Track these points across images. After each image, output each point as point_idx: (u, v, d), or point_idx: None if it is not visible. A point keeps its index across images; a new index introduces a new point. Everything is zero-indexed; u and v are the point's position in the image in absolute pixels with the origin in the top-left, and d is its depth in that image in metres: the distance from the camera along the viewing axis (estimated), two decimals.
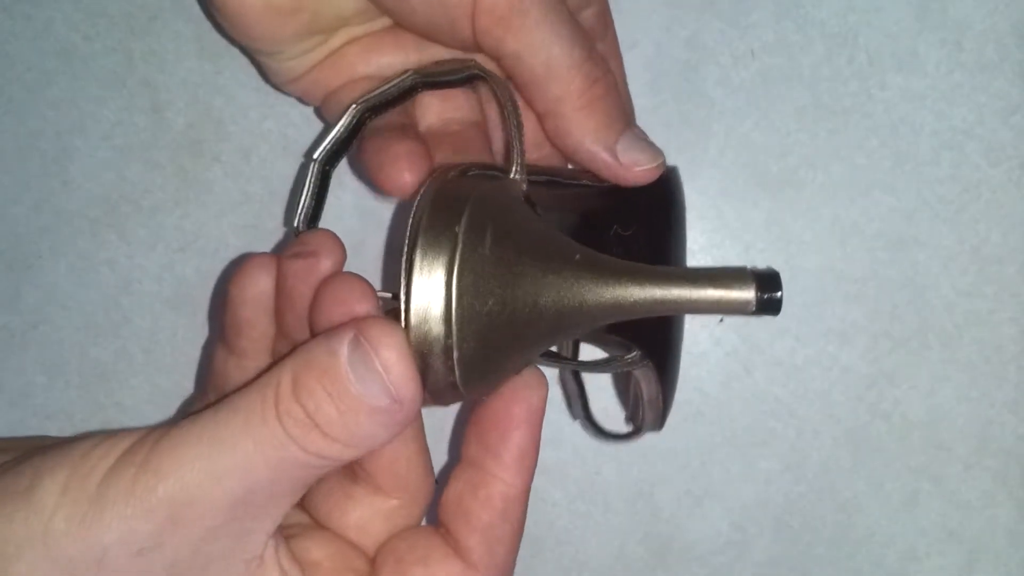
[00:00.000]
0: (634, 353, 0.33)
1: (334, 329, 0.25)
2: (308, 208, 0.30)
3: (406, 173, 0.30)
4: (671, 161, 0.39)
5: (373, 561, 0.29)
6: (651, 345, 0.32)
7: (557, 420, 0.41)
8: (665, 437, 0.41)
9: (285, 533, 0.28)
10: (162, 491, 0.24)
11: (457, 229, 0.25)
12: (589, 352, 0.38)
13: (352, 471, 0.29)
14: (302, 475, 0.25)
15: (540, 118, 0.31)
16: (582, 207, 0.33)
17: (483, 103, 0.34)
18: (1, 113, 0.41)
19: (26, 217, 0.41)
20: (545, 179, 0.32)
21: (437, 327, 0.25)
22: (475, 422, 0.29)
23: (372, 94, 0.30)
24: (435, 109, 0.33)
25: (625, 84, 0.36)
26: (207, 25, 0.40)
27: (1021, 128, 0.40)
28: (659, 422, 0.35)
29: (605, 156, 0.31)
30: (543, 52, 0.30)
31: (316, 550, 0.28)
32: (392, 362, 0.24)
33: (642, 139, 0.31)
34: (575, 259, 0.27)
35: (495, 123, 0.34)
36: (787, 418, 0.41)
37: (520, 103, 0.32)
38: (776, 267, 0.40)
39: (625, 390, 0.40)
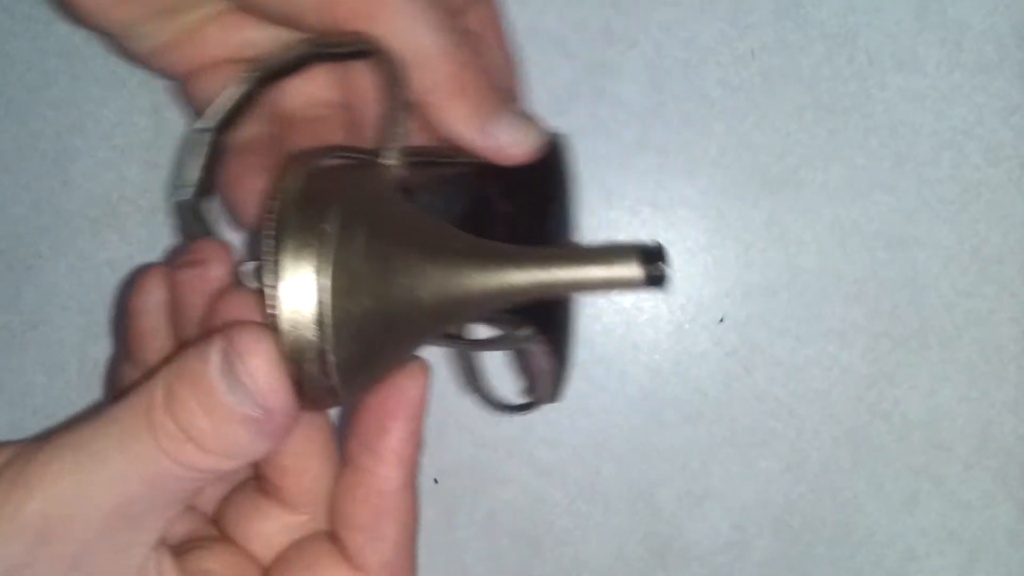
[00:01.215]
0: (526, 329, 0.31)
1: (208, 337, 0.24)
2: (200, 180, 0.29)
3: (256, 209, 0.30)
4: (671, 160, 0.39)
5: (268, 571, 0.28)
6: (542, 321, 0.31)
7: (556, 420, 0.41)
8: (665, 437, 0.41)
9: (186, 545, 0.28)
10: (32, 507, 0.23)
11: (326, 226, 0.24)
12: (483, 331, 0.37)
13: (261, 485, 0.28)
14: (179, 488, 0.24)
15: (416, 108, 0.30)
16: (465, 187, 0.31)
17: (357, 82, 0.32)
18: (1, 113, 0.41)
19: (26, 217, 0.41)
20: (425, 160, 0.30)
21: (309, 332, 0.24)
22: (353, 421, 0.28)
23: (264, 64, 0.29)
24: (298, 90, 0.32)
25: (507, 55, 0.34)
26: None
27: (1021, 128, 0.40)
28: (555, 394, 0.34)
29: (481, 139, 0.29)
30: (408, 41, 0.28)
31: (211, 561, 0.28)
32: (259, 370, 0.23)
33: (520, 117, 0.30)
34: (455, 247, 0.27)
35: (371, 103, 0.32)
36: (787, 418, 0.41)
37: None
38: (776, 267, 0.40)
39: (523, 364, 0.39)
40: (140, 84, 0.41)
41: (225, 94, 0.28)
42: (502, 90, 0.30)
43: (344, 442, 0.28)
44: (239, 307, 0.26)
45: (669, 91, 0.40)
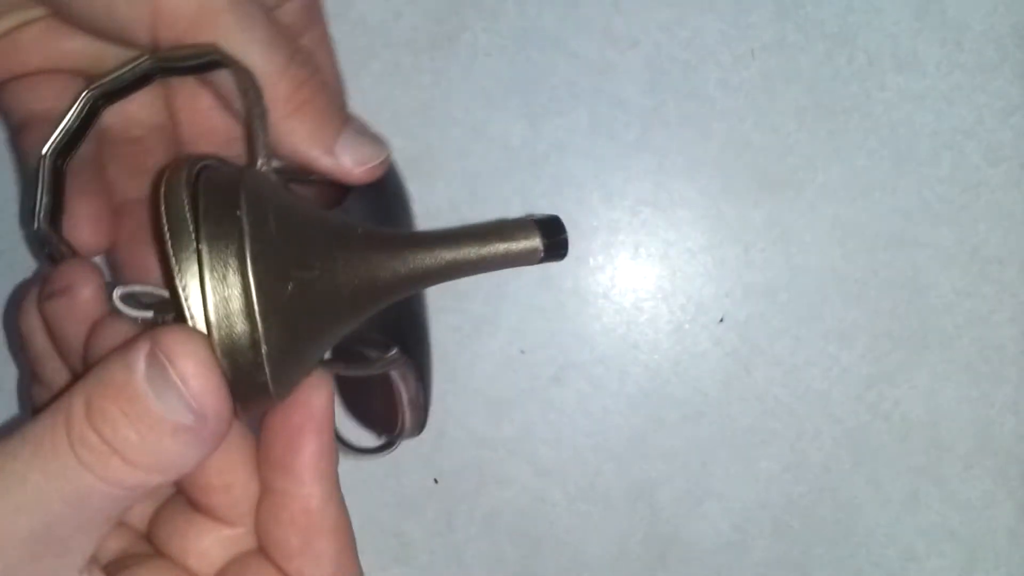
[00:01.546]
0: (393, 351, 0.31)
1: (129, 343, 0.22)
2: (46, 206, 0.27)
3: (87, 233, 0.29)
4: (671, 160, 0.39)
5: None
6: (409, 341, 0.31)
7: (556, 420, 0.41)
8: (665, 437, 0.41)
9: (119, 563, 0.27)
10: None
11: (239, 213, 0.23)
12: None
13: (190, 499, 0.27)
14: (106, 507, 0.23)
15: (246, 129, 0.28)
16: (329, 202, 0.31)
17: (174, 99, 0.31)
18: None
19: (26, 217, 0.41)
20: (287, 177, 0.30)
21: (241, 323, 0.23)
22: (262, 444, 0.27)
23: (105, 80, 0.27)
24: (115, 108, 0.29)
25: (338, 75, 0.34)
26: None
27: (1021, 128, 0.40)
28: (420, 425, 0.33)
29: (326, 160, 0.28)
30: (240, 60, 0.27)
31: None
32: (190, 373, 0.22)
33: (361, 136, 0.29)
34: (359, 234, 0.26)
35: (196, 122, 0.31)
36: (787, 418, 0.41)
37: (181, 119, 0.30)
38: (776, 267, 0.40)
39: (361, 402, 0.38)
40: None
41: (65, 115, 0.27)
42: (340, 107, 0.29)
43: (257, 467, 0.27)
44: (115, 336, 0.25)
45: (669, 91, 0.40)
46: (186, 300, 0.23)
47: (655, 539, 0.41)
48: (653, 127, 0.40)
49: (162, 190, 0.24)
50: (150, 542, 0.28)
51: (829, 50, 0.40)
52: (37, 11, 0.30)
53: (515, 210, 0.40)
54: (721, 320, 0.40)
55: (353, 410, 0.38)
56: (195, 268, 0.23)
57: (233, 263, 0.23)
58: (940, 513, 0.41)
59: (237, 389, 0.23)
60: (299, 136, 0.28)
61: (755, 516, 0.41)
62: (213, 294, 0.23)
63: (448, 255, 0.27)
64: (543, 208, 0.40)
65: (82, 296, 0.26)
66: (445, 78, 0.39)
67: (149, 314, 0.25)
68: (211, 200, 0.23)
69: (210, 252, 0.23)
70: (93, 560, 0.24)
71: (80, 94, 0.27)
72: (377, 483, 0.41)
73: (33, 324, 0.28)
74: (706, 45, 0.40)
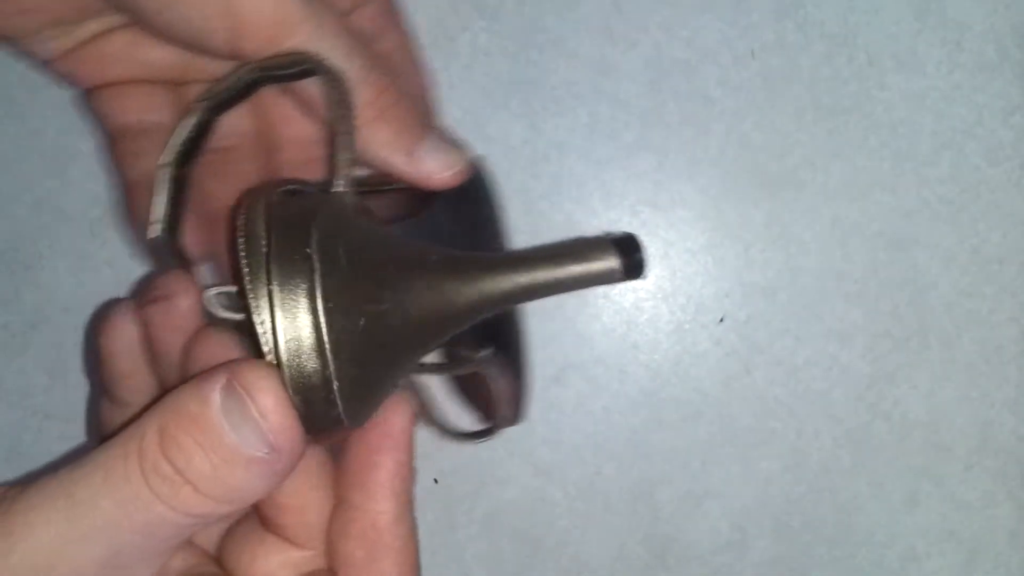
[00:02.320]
0: (484, 352, 0.31)
1: (204, 374, 0.23)
2: (167, 216, 0.28)
3: (190, 243, 0.29)
4: (671, 160, 0.39)
5: None
6: (503, 337, 0.31)
7: (556, 420, 0.41)
8: (665, 437, 0.41)
9: None
10: (15, 560, 0.22)
11: (309, 250, 0.24)
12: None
13: (263, 521, 0.27)
14: (172, 535, 0.23)
15: (331, 135, 0.29)
16: (407, 210, 0.31)
17: (263, 106, 0.32)
18: (1, 113, 0.41)
19: (26, 217, 0.41)
20: (372, 187, 0.31)
21: (312, 360, 0.23)
22: (342, 458, 0.28)
23: (214, 91, 0.28)
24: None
25: (423, 77, 0.34)
26: None
27: (1021, 128, 0.40)
28: (516, 416, 0.33)
29: (404, 166, 0.29)
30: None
31: None
32: (269, 408, 0.22)
33: (443, 141, 0.29)
34: (432, 260, 0.26)
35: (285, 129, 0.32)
36: (787, 418, 0.41)
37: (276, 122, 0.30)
38: (776, 267, 0.40)
39: (471, 391, 0.38)
40: None
41: (179, 127, 0.28)
42: (422, 112, 0.30)
43: (335, 481, 0.28)
44: (216, 348, 0.25)
45: (669, 91, 0.40)
46: (262, 335, 0.23)
47: (655, 539, 0.41)
48: (653, 127, 0.40)
49: (239, 225, 0.24)
50: (218, 562, 0.28)
51: (829, 50, 0.40)
52: (117, 18, 0.30)
53: (516, 209, 0.40)
54: (721, 320, 0.41)
55: (459, 393, 0.39)
56: (267, 307, 0.23)
57: (303, 303, 0.23)
58: (940, 513, 0.41)
59: (310, 422, 0.24)
60: (381, 142, 0.28)
61: (755, 516, 0.41)
62: (284, 333, 0.23)
63: (523, 279, 0.27)
64: (543, 208, 0.40)
65: (182, 305, 0.27)
66: (445, 78, 0.39)
67: (240, 316, 0.25)
68: (283, 237, 0.24)
69: (281, 292, 0.23)
70: None
71: (192, 106, 0.28)
72: None
73: (118, 339, 0.28)
74: (706, 45, 0.40)
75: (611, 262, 0.26)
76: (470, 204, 0.32)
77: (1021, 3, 0.39)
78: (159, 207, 0.28)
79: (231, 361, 0.23)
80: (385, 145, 0.29)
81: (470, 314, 0.27)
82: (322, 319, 0.23)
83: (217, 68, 0.29)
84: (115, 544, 0.22)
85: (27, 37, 0.30)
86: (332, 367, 0.24)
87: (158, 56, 0.31)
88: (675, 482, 0.41)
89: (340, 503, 0.27)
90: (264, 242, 0.24)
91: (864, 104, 0.40)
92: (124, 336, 0.28)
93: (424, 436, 0.41)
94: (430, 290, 0.26)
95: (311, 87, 0.28)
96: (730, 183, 0.40)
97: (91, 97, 0.33)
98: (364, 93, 0.28)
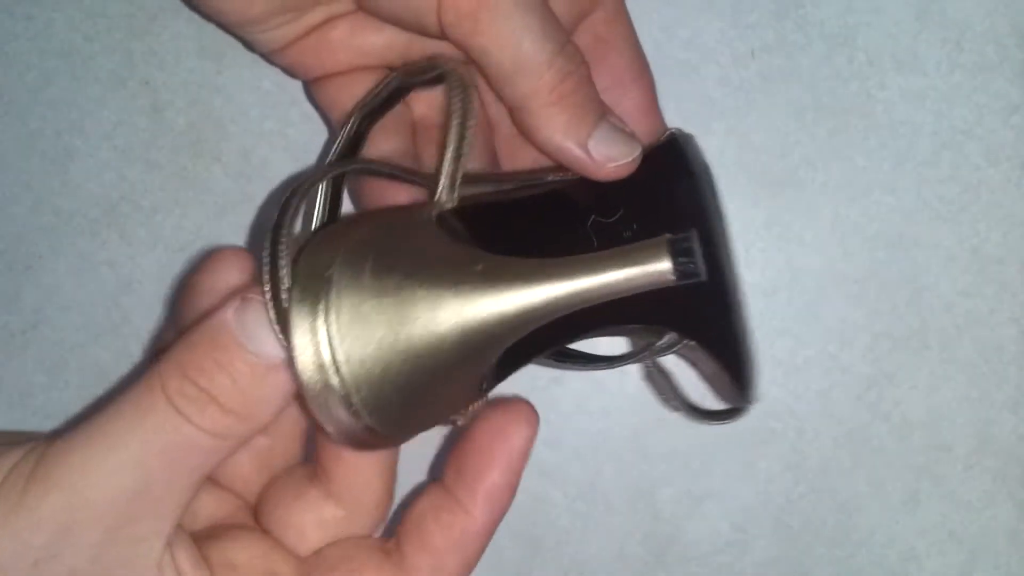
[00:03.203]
0: (666, 337, 0.31)
1: (216, 305, 0.25)
2: (323, 217, 0.29)
3: None
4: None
5: (302, 566, 0.28)
6: (682, 322, 0.30)
7: (556, 420, 0.41)
8: (665, 437, 0.41)
9: (214, 531, 0.28)
10: (53, 500, 0.23)
11: (330, 271, 0.24)
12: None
13: (313, 471, 0.29)
14: (198, 462, 0.24)
15: (511, 113, 0.31)
16: (547, 205, 0.31)
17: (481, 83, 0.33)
18: (1, 113, 0.41)
19: (26, 217, 0.41)
20: (493, 182, 0.31)
21: (326, 377, 0.24)
22: (458, 446, 0.29)
23: (366, 101, 0.30)
24: (423, 98, 0.33)
25: (633, 47, 0.34)
26: (207, 25, 0.40)
27: (1021, 128, 0.40)
28: (743, 395, 0.32)
29: (577, 152, 0.29)
30: (510, 48, 0.28)
31: (238, 552, 0.28)
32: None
33: (618, 130, 0.30)
34: (476, 270, 0.26)
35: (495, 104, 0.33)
36: (787, 418, 0.41)
37: (490, 99, 0.31)
38: (776, 267, 0.40)
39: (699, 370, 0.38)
40: (140, 84, 0.41)
41: (340, 135, 0.30)
42: (599, 104, 0.30)
43: (445, 462, 0.29)
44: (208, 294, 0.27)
45: (669, 91, 0.40)
46: (288, 352, 0.24)
47: (655, 539, 0.41)
48: None
49: (265, 254, 0.25)
50: (255, 512, 0.29)
51: (829, 50, 0.40)
52: (339, 5, 0.32)
53: None
54: None
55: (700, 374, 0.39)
56: (287, 329, 0.24)
57: (313, 321, 0.24)
58: (940, 513, 0.41)
59: (343, 435, 0.25)
60: (555, 126, 0.29)
61: (755, 516, 0.41)
62: (301, 353, 0.24)
63: (565, 287, 0.26)
64: None
65: (228, 282, 0.28)
66: None
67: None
68: (308, 258, 0.25)
69: (295, 313, 0.24)
70: (179, 527, 0.25)
71: (350, 118, 0.30)
72: None
73: (212, 284, 0.28)
74: (706, 45, 0.40)
75: (663, 263, 0.26)
76: (667, 178, 0.31)
77: (1021, 3, 0.39)
78: (318, 212, 0.29)
79: (240, 288, 0.25)
80: (558, 131, 0.29)
81: (517, 325, 0.27)
82: (333, 336, 0.24)
83: (434, 49, 0.31)
84: (144, 477, 0.24)
85: (255, 25, 0.32)
86: (347, 383, 0.24)
87: (377, 42, 0.32)
88: (675, 482, 0.41)
89: (441, 486, 0.28)
90: (286, 271, 0.25)
91: (864, 104, 0.40)
92: (226, 279, 0.28)
93: (424, 436, 0.41)
94: (465, 303, 0.26)
95: (493, 68, 0.29)
96: (730, 183, 0.40)
97: (314, 88, 0.35)
98: (549, 76, 0.29)
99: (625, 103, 0.33)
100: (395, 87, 0.30)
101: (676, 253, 0.26)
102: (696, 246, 0.26)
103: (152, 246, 0.41)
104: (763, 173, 0.40)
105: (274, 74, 0.40)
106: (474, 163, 0.32)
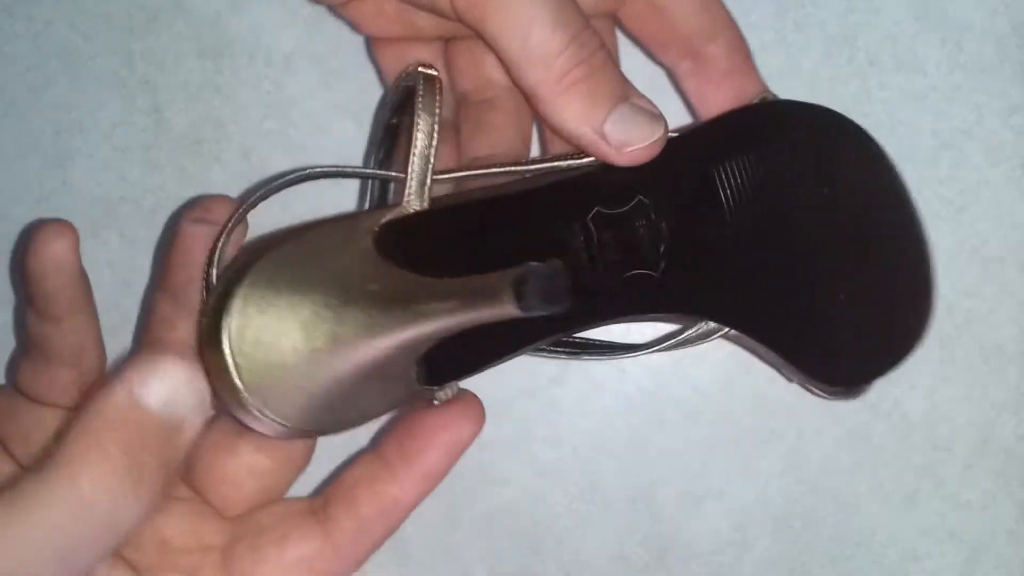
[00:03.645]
0: (703, 324, 0.31)
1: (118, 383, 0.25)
2: (380, 159, 0.32)
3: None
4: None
5: (232, 530, 0.30)
6: (719, 311, 0.30)
7: (556, 420, 0.41)
8: (665, 437, 0.41)
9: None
10: None
11: (237, 287, 0.26)
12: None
13: (240, 431, 0.30)
14: (127, 529, 0.24)
15: (527, 99, 0.30)
16: (536, 201, 0.30)
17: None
18: (1, 113, 0.41)
19: (26, 217, 0.41)
20: (469, 173, 0.30)
21: (234, 389, 0.26)
22: (403, 422, 0.30)
23: (387, 98, 0.31)
24: (470, 73, 0.33)
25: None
26: (207, 25, 0.40)
27: (1021, 128, 0.40)
28: (819, 377, 0.32)
29: (592, 137, 0.29)
30: (519, 39, 0.28)
31: (169, 526, 0.29)
32: (170, 373, 0.25)
33: (640, 112, 0.29)
34: (370, 289, 0.27)
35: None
36: (787, 418, 0.41)
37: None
38: None
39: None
40: (140, 84, 0.41)
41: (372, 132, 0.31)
42: (618, 85, 0.29)
43: (386, 433, 0.30)
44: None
45: (669, 91, 0.40)
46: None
47: (655, 539, 0.41)
48: None
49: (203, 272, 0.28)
50: (185, 472, 0.30)
51: (829, 50, 0.40)
52: None
53: None
54: None
55: None
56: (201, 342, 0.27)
57: (225, 343, 0.26)
58: (940, 513, 0.41)
59: (267, 433, 0.27)
60: (568, 114, 0.29)
61: (755, 516, 0.41)
62: (212, 367, 0.26)
63: (418, 317, 0.27)
64: None
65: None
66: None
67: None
68: (225, 275, 0.27)
69: (210, 334, 0.26)
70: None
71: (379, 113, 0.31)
72: None
73: (45, 264, 0.30)
74: None
75: (507, 306, 0.25)
76: (704, 159, 0.30)
77: (1021, 3, 0.39)
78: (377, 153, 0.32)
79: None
80: (571, 119, 0.29)
81: (408, 342, 0.27)
82: (233, 356, 0.26)
83: None
84: (70, 550, 0.23)
85: None
86: (255, 394, 0.26)
87: (425, 20, 0.32)
88: (675, 482, 0.41)
89: (380, 456, 0.30)
90: (205, 286, 0.28)
91: (864, 104, 0.40)
92: (56, 255, 0.29)
93: None
94: (358, 321, 0.27)
95: (503, 55, 0.29)
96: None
97: (373, 47, 0.36)
98: (558, 66, 0.28)
99: (709, 65, 0.33)
100: (406, 86, 0.30)
101: (519, 294, 0.24)
102: (540, 284, 0.24)
103: (152, 246, 0.41)
104: None
105: (274, 74, 0.40)
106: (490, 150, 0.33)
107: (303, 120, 0.40)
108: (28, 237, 0.31)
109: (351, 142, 0.40)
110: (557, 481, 0.41)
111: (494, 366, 0.30)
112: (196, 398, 0.25)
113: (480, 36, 0.29)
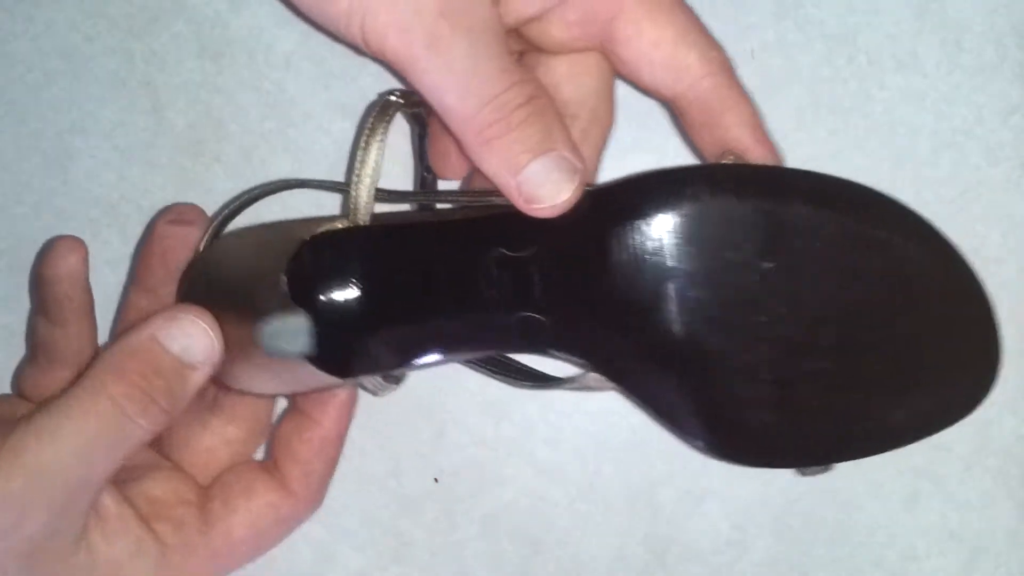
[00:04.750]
0: (589, 373, 0.31)
1: (144, 322, 0.31)
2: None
3: (451, 166, 0.36)
4: (670, 161, 0.39)
5: (207, 492, 0.35)
6: (597, 360, 0.31)
7: (556, 421, 0.41)
8: (665, 437, 0.41)
9: (130, 475, 0.33)
10: (16, 484, 0.29)
11: (195, 272, 0.33)
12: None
13: (211, 405, 0.35)
14: (132, 449, 0.30)
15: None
16: (452, 232, 0.32)
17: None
18: (1, 113, 0.41)
19: (26, 217, 0.41)
20: (410, 192, 0.35)
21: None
22: (301, 396, 0.35)
23: (370, 126, 0.32)
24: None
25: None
26: (207, 25, 0.40)
27: (1021, 128, 0.40)
28: (698, 437, 0.32)
29: (508, 188, 0.30)
30: (436, 99, 0.29)
31: (155, 488, 0.34)
32: (189, 327, 0.31)
33: (556, 169, 0.30)
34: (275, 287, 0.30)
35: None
36: None
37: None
38: None
39: None
40: (141, 84, 0.41)
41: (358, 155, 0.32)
42: (544, 136, 0.30)
43: (291, 401, 0.36)
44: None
45: None
46: None
47: (655, 539, 0.41)
48: (652, 127, 0.40)
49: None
50: (158, 446, 0.35)
51: (829, 50, 0.40)
52: None
53: None
54: None
55: None
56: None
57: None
58: (940, 513, 0.41)
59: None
60: (485, 165, 0.30)
61: (755, 516, 0.41)
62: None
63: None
64: None
65: (198, 234, 0.35)
66: None
67: None
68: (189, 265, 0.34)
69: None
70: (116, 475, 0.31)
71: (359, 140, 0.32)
72: (377, 483, 0.41)
73: (58, 271, 0.34)
74: None
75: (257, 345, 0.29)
76: (600, 224, 0.30)
77: (1021, 3, 0.39)
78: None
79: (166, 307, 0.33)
80: (489, 169, 0.30)
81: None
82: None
83: None
84: (90, 465, 0.30)
85: None
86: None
87: None
88: (675, 482, 0.41)
89: (298, 410, 0.35)
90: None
91: (864, 104, 0.40)
92: (68, 264, 0.34)
93: (424, 436, 0.41)
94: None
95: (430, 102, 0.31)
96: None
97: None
98: (476, 122, 0.29)
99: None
100: (387, 109, 0.32)
101: (257, 336, 0.28)
102: (277, 332, 0.28)
103: None
104: None
105: (274, 74, 0.40)
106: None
107: (303, 120, 0.40)
108: (45, 249, 0.35)
109: (351, 142, 0.40)
110: (557, 481, 0.41)
111: (415, 369, 0.33)
112: (208, 350, 0.31)
113: None
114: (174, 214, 0.36)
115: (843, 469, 0.41)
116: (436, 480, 0.41)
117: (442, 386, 0.41)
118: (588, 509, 0.41)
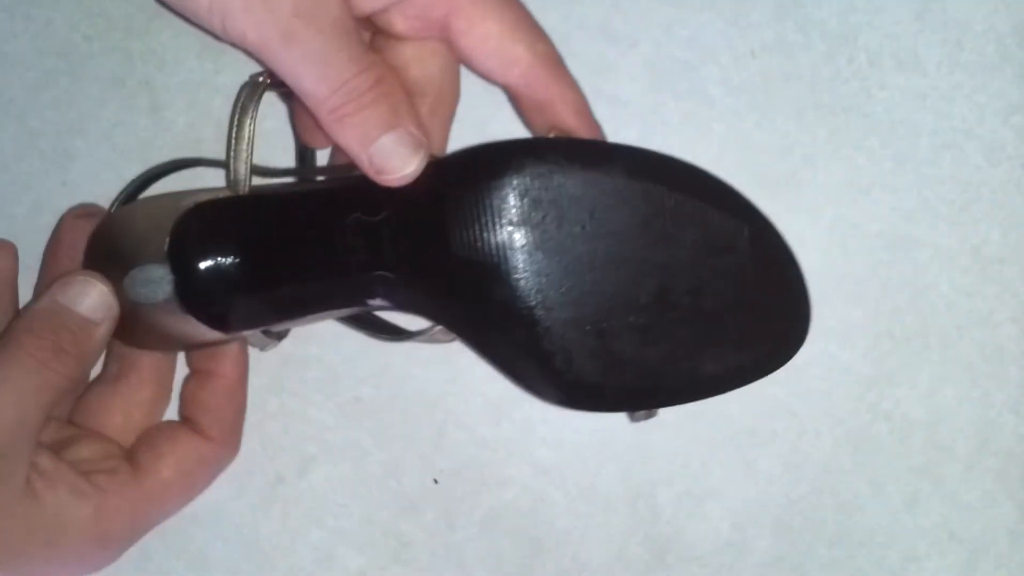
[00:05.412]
0: (435, 326, 0.35)
1: (48, 288, 0.35)
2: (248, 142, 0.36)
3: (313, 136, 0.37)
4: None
5: (131, 448, 0.38)
6: (440, 317, 0.35)
7: (556, 421, 0.41)
8: (665, 437, 0.41)
9: (59, 446, 0.36)
10: None
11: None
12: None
13: (117, 375, 0.38)
14: (53, 398, 0.34)
15: None
16: (319, 199, 0.35)
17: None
18: (1, 113, 0.41)
19: (26, 217, 0.41)
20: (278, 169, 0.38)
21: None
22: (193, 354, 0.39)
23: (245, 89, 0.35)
24: (415, 63, 0.36)
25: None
26: None
27: (1021, 128, 0.40)
28: (533, 387, 0.35)
29: (361, 160, 0.33)
30: (294, 84, 0.33)
31: (84, 451, 0.36)
32: (84, 286, 0.34)
33: (402, 144, 0.33)
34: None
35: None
36: (787, 418, 0.41)
37: None
38: None
39: None
40: (140, 84, 0.41)
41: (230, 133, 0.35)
42: (391, 113, 0.33)
43: (190, 359, 0.39)
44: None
45: (669, 91, 0.40)
46: None
47: (655, 539, 0.41)
48: (653, 127, 0.40)
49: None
50: (75, 425, 0.38)
51: (829, 50, 0.40)
52: None
53: None
54: None
55: None
56: None
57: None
58: (940, 513, 0.41)
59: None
60: (341, 140, 0.34)
61: (755, 516, 0.41)
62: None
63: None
64: None
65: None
66: None
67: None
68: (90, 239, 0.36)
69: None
70: (37, 443, 0.34)
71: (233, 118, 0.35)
72: (377, 483, 0.41)
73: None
74: (706, 45, 0.40)
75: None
76: (420, 194, 0.34)
77: (1021, 3, 0.40)
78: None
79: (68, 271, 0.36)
80: (344, 143, 0.33)
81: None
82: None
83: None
84: (21, 411, 0.33)
85: None
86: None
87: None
88: (675, 482, 0.41)
89: (196, 371, 0.39)
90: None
91: (864, 104, 0.40)
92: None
93: (424, 436, 0.41)
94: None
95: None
96: (730, 183, 0.40)
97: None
98: (328, 104, 0.33)
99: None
100: (256, 89, 0.35)
101: (125, 284, 0.33)
102: (140, 280, 0.33)
103: None
104: (763, 173, 0.40)
105: None
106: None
107: None
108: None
109: None
110: (557, 481, 0.41)
111: (291, 325, 0.37)
112: (104, 305, 0.34)
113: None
114: (80, 210, 0.39)
115: (843, 469, 0.41)
116: (436, 481, 0.41)
117: (442, 386, 0.41)
118: (588, 509, 0.41)
